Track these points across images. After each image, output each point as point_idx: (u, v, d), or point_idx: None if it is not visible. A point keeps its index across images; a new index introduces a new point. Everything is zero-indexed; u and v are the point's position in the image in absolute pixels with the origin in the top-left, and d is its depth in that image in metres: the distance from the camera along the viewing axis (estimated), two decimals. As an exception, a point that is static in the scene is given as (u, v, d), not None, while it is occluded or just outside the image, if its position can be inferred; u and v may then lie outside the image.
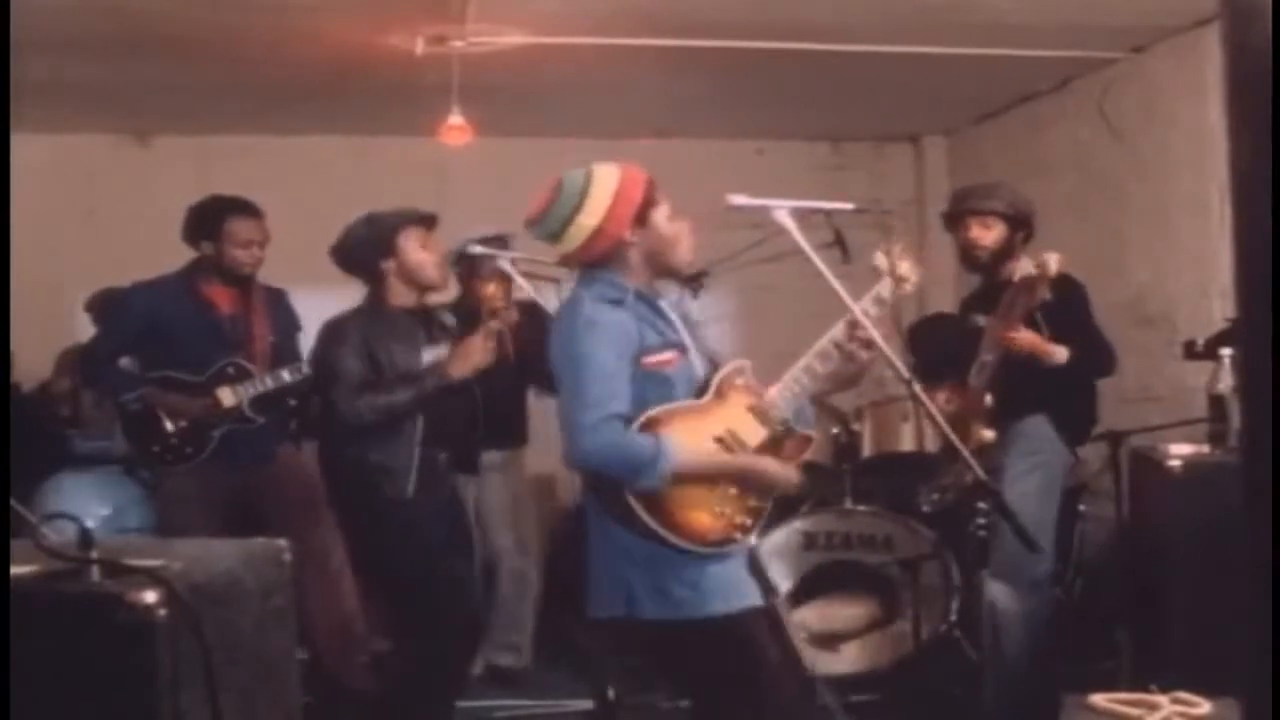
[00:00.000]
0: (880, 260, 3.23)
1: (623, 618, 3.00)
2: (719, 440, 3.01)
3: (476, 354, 3.97)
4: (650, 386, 2.97)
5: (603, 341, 2.93)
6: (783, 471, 3.09)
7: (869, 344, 3.08)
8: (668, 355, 3.02)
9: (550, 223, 3.02)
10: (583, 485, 3.14)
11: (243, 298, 4.74)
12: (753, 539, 3.09)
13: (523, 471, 5.46)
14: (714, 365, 3.12)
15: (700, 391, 3.05)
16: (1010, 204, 4.39)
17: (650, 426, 2.92)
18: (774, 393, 3.11)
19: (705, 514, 2.95)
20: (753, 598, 3.05)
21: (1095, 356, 4.30)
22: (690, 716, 3.28)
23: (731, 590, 3.01)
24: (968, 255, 4.45)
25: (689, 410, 3.01)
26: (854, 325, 3.08)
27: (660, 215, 3.05)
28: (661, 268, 3.11)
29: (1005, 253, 4.36)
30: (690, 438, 2.95)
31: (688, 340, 3.11)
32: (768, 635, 3.09)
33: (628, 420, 2.90)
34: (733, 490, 3.00)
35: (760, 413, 3.08)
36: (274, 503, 4.66)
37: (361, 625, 4.68)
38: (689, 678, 3.12)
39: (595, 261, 3.05)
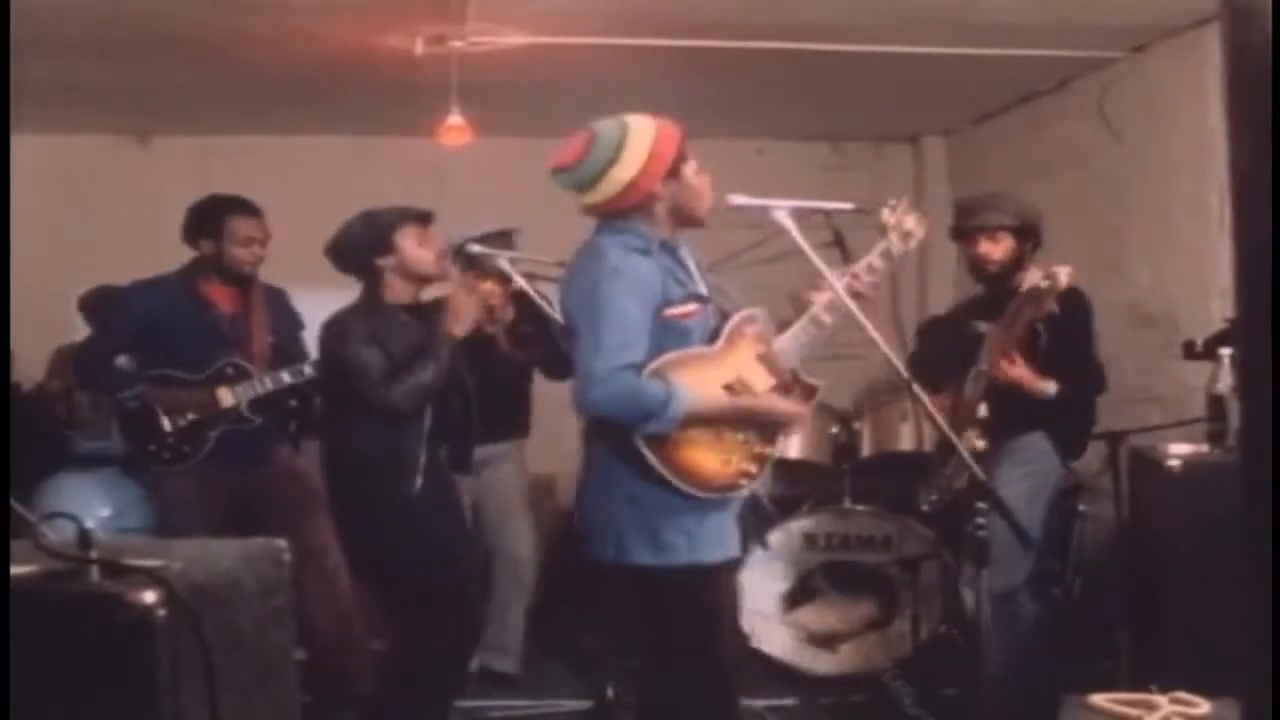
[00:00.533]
0: (886, 215, 3.28)
1: (611, 561, 3.06)
2: (728, 387, 3.07)
3: (467, 306, 3.98)
4: (669, 337, 3.02)
5: (626, 290, 2.97)
6: (790, 408, 3.17)
7: (875, 284, 3.25)
8: (690, 308, 3.08)
9: (582, 173, 3.05)
10: (587, 430, 3.17)
11: (242, 297, 4.72)
12: (757, 486, 3.18)
13: (525, 465, 5.43)
14: (724, 315, 3.18)
15: (711, 340, 3.11)
16: (1017, 215, 4.35)
17: (660, 373, 2.95)
18: (782, 342, 3.16)
19: (713, 460, 3.02)
20: (734, 549, 3.17)
21: (1087, 381, 4.30)
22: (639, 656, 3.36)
23: (720, 540, 3.11)
24: (976, 269, 4.41)
25: (699, 357, 3.06)
26: (855, 276, 3.23)
27: (690, 169, 3.11)
28: (685, 219, 3.16)
29: (1015, 264, 4.33)
30: (700, 384, 2.99)
31: (705, 291, 3.17)
32: (731, 587, 3.26)
33: (640, 368, 2.94)
34: (740, 436, 3.06)
35: (769, 361, 3.13)
36: (272, 503, 4.64)
37: (360, 625, 4.68)
38: (656, 620, 3.16)
39: (621, 213, 3.07)
